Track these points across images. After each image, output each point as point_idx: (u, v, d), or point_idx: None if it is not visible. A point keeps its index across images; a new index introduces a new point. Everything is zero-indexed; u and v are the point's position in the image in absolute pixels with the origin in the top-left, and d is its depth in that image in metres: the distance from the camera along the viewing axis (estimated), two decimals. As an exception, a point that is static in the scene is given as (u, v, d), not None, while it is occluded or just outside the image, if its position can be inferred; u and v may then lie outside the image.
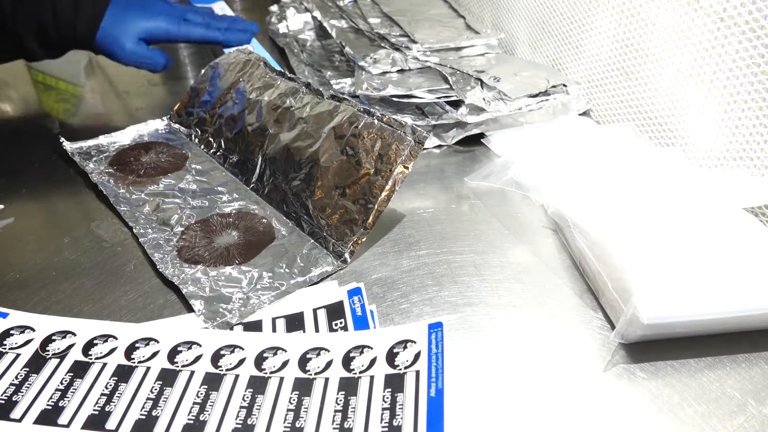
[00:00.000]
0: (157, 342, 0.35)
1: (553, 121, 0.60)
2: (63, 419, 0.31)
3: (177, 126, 0.61)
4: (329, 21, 0.74)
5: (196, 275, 0.41)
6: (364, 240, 0.43)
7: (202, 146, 0.57)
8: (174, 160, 0.55)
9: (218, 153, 0.56)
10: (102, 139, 0.58)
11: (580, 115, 0.62)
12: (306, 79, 0.62)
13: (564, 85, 0.60)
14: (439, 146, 0.59)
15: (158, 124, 0.61)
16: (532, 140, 0.57)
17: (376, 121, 0.45)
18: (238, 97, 0.56)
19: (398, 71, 0.63)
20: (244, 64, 0.59)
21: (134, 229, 0.45)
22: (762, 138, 0.45)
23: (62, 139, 0.56)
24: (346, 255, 0.43)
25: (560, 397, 0.33)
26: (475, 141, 0.59)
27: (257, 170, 0.51)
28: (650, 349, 0.35)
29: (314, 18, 0.79)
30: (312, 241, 0.45)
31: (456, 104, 0.58)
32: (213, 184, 0.52)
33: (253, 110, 0.54)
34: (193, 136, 0.59)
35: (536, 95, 0.59)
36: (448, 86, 0.59)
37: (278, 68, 0.58)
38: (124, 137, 0.58)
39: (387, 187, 0.43)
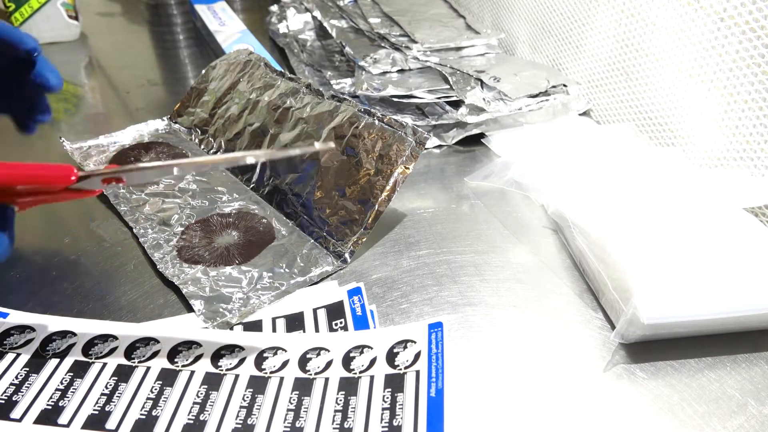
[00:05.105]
0: (157, 342, 0.35)
1: (553, 121, 0.60)
2: (63, 419, 0.31)
3: (177, 126, 0.61)
4: (329, 21, 0.74)
5: (196, 275, 0.41)
6: (364, 240, 0.43)
7: (202, 146, 0.57)
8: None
9: (218, 153, 0.56)
10: (102, 139, 0.58)
11: (580, 115, 0.62)
12: (306, 79, 0.62)
13: (564, 85, 0.60)
14: (439, 146, 0.59)
15: (158, 124, 0.61)
16: (532, 140, 0.57)
17: (376, 122, 0.45)
18: (238, 98, 0.56)
19: (398, 71, 0.63)
20: (245, 64, 0.59)
21: (134, 229, 0.45)
22: (762, 138, 0.45)
23: (62, 139, 0.56)
24: (346, 255, 0.43)
25: (560, 397, 0.33)
26: (475, 141, 0.59)
27: (257, 170, 0.51)
28: (650, 349, 0.35)
29: (314, 18, 0.79)
30: (312, 241, 0.45)
31: (456, 104, 0.58)
32: (213, 184, 0.52)
33: (254, 110, 0.54)
34: (193, 136, 0.59)
35: (536, 95, 0.59)
36: (448, 86, 0.59)
37: (279, 68, 0.58)
38: (124, 137, 0.58)
39: (387, 188, 0.43)
